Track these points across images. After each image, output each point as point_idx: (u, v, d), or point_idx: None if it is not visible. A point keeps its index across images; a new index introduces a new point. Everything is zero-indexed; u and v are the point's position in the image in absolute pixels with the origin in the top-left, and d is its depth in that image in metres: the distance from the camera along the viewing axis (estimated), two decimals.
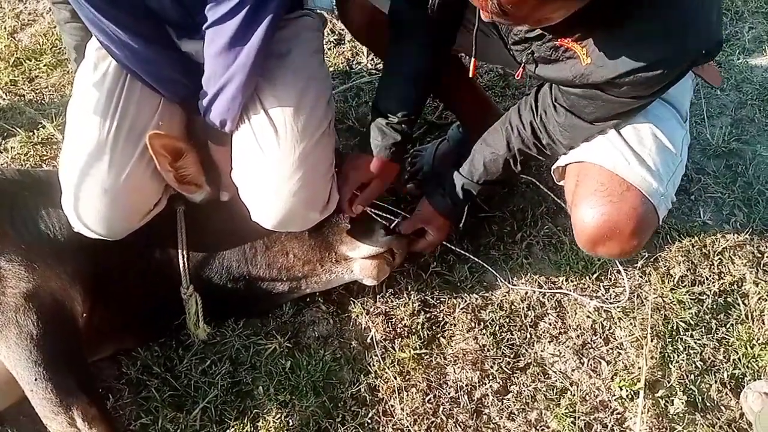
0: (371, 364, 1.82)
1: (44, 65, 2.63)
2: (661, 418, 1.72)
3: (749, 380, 1.77)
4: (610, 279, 1.98)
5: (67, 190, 1.66)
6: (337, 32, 2.74)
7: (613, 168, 1.53)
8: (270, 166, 1.64)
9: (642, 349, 1.82)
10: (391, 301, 1.93)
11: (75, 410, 1.50)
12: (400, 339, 1.87)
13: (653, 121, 1.57)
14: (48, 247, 1.66)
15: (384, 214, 1.86)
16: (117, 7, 1.54)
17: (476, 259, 1.99)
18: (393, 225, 1.86)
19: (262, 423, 1.72)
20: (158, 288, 1.80)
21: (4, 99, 2.52)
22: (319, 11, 1.93)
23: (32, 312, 1.55)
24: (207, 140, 1.75)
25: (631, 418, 1.73)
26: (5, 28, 2.82)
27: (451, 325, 1.90)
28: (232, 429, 1.71)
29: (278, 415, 1.73)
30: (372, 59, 2.61)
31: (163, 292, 1.80)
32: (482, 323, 1.89)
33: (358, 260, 1.85)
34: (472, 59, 1.59)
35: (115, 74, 1.70)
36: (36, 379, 1.51)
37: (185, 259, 1.77)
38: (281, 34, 1.70)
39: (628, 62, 1.32)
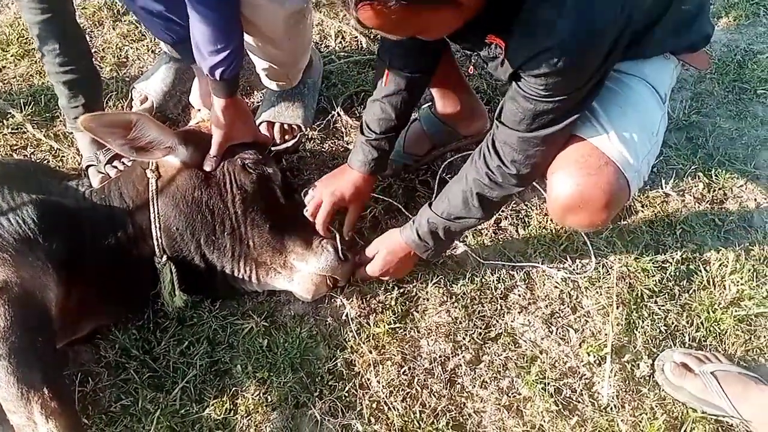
0: (347, 339, 1.86)
1: (11, 55, 2.61)
2: (627, 382, 1.78)
3: (711, 342, 1.84)
4: (577, 250, 2.03)
5: None
6: None
7: (593, 141, 1.56)
8: None
9: (608, 316, 1.88)
10: None
11: (35, 404, 1.46)
12: (374, 314, 1.91)
13: (634, 99, 1.60)
14: (18, 235, 1.65)
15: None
16: None
17: None
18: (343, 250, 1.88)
19: (241, 400, 1.75)
20: (133, 260, 1.82)
21: None
22: None
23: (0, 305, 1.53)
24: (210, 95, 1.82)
25: (598, 383, 1.79)
26: None
27: (424, 299, 1.94)
28: (212, 407, 1.74)
29: (257, 392, 1.77)
30: (340, 42, 2.63)
31: (138, 264, 1.82)
32: (454, 297, 1.94)
33: (302, 273, 1.87)
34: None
35: None
36: None
37: (158, 228, 1.80)
38: None
39: (524, 52, 1.34)
